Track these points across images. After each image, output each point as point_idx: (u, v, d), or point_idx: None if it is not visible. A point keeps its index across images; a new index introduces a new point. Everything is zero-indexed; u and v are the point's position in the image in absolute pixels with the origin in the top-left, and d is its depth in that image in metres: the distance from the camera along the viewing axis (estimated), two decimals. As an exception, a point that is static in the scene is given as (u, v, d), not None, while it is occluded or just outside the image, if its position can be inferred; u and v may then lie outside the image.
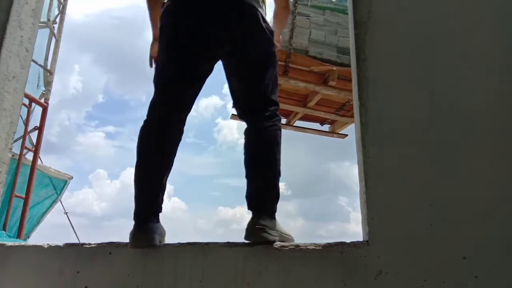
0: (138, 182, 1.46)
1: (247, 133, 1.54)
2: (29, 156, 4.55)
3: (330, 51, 3.64)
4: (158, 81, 1.55)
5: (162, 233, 1.46)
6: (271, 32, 1.59)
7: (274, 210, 1.40)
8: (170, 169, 1.53)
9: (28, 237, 4.74)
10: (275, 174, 1.45)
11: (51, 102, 4.87)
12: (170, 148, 1.51)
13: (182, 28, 1.52)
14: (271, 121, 1.51)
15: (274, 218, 1.38)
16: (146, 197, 1.46)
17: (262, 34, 1.55)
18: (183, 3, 1.54)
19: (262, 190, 1.43)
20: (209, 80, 1.63)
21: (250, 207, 1.41)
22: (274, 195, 1.42)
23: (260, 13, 1.56)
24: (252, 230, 1.31)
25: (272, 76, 1.58)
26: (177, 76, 1.53)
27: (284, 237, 1.36)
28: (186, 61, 1.52)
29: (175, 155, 1.53)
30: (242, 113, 1.60)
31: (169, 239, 1.50)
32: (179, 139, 1.54)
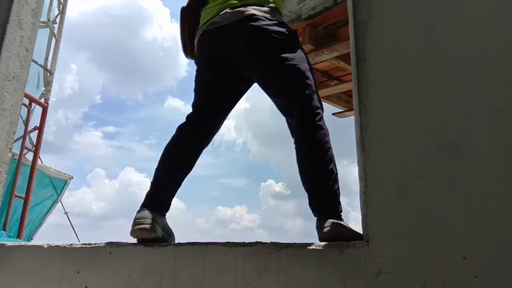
0: (158, 173, 1.61)
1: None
2: (29, 156, 4.55)
3: None
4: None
5: (167, 230, 1.52)
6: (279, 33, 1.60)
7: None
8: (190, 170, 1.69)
9: (31, 239, 4.73)
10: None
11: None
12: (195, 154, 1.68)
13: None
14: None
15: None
16: (160, 188, 1.59)
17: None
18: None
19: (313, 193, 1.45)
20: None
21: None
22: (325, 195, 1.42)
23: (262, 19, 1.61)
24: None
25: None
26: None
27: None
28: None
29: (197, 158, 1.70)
30: None
31: (169, 239, 1.51)
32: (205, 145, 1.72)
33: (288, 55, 1.56)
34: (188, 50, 1.91)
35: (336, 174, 1.44)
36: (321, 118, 1.50)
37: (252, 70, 1.64)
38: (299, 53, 1.60)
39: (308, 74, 1.55)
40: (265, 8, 1.65)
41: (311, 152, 1.45)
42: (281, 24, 1.62)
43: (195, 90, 1.74)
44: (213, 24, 1.69)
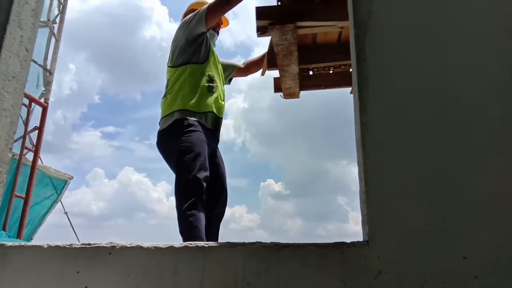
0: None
1: None
2: (29, 156, 4.55)
3: None
4: None
5: None
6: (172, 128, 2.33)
7: None
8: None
9: (31, 239, 4.72)
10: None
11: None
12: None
13: None
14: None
15: None
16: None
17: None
18: None
19: None
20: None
21: None
22: None
23: (165, 129, 2.36)
24: None
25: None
26: None
27: None
28: None
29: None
30: None
31: (168, 239, 1.51)
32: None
33: (175, 154, 2.22)
34: None
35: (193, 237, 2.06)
36: (182, 208, 2.11)
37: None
38: (181, 149, 2.21)
39: (182, 166, 2.20)
40: (167, 119, 2.31)
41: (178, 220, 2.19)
42: (172, 129, 2.27)
43: None
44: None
